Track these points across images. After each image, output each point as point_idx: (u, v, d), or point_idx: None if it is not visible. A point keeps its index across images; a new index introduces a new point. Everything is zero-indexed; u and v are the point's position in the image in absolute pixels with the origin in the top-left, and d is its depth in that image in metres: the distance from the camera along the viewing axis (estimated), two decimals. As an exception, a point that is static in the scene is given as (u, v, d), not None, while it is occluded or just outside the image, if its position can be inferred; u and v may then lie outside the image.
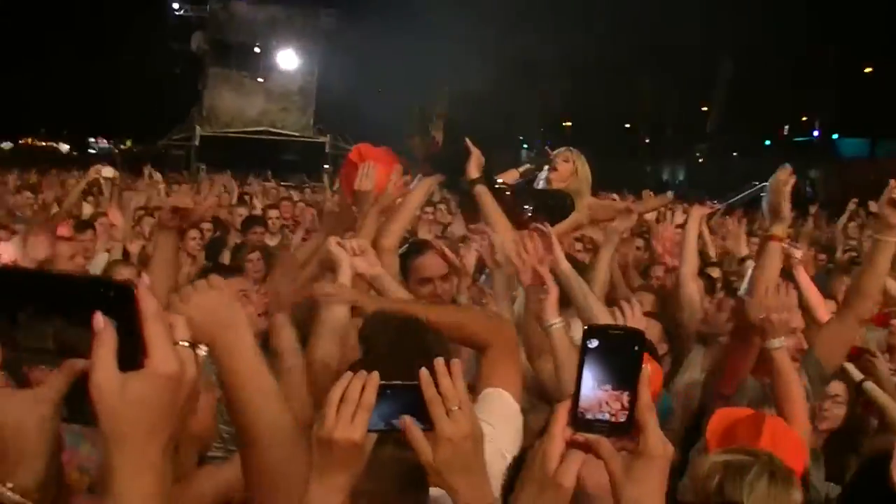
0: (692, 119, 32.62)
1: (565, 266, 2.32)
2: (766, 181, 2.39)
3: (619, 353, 0.88)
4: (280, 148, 24.14)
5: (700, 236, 3.78)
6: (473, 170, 2.86)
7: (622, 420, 0.88)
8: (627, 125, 37.63)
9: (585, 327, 0.91)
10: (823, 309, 3.00)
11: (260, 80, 25.91)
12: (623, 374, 0.88)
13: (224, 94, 25.50)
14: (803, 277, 3.08)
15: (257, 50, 25.79)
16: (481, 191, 2.73)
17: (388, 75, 35.47)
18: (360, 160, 2.91)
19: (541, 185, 3.65)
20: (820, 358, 2.31)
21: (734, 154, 30.40)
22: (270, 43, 25.92)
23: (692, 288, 3.15)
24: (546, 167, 3.65)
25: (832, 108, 28.31)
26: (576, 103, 36.70)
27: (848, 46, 26.83)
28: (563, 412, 0.88)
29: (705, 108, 32.39)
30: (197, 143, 24.09)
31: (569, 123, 42.04)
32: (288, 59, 26.36)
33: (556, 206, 3.66)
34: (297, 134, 26.02)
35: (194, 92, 25.88)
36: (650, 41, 31.68)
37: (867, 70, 29.36)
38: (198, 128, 24.34)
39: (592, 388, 0.88)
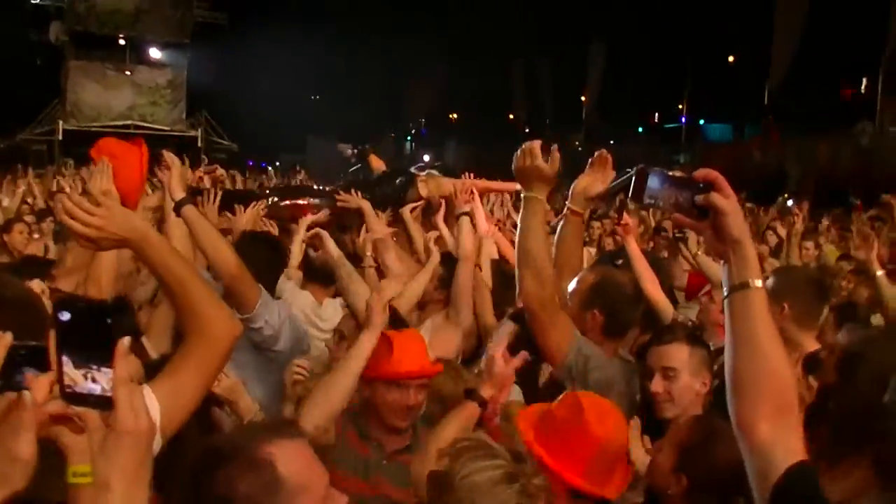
0: (569, 108, 35.83)
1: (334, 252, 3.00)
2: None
3: (93, 326, 0.90)
4: (150, 142, 24.40)
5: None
6: (176, 190, 2.55)
7: (110, 393, 0.90)
8: (511, 116, 40.73)
9: (55, 301, 0.94)
10: (652, 284, 3.17)
11: (127, 73, 26.04)
12: (101, 347, 0.89)
13: (88, 88, 25.50)
14: (633, 248, 3.24)
15: (122, 42, 25.84)
16: (190, 213, 2.44)
17: (265, 69, 36.65)
18: (98, 156, 2.76)
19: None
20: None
21: (611, 142, 33.98)
22: (136, 35, 26.00)
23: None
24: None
25: (700, 95, 31.11)
26: (460, 95, 39.62)
27: (713, 37, 29.55)
28: (43, 384, 0.92)
29: (583, 98, 35.77)
30: (60, 137, 24.18)
31: (454, 115, 44.75)
32: (156, 51, 26.68)
33: (391, 192, 4.38)
34: (167, 128, 26.50)
35: (56, 84, 25.69)
36: (524, 29, 34.60)
37: (730, 59, 33.30)
38: (61, 122, 24.39)
39: (78, 361, 0.90)
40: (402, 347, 2.19)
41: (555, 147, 2.20)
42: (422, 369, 2.22)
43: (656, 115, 36.06)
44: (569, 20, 35.01)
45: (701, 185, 1.19)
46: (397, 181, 4.56)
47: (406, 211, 4.24)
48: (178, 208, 2.46)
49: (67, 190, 3.69)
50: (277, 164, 36.40)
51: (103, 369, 0.91)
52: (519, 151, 2.20)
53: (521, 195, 2.24)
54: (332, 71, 40.05)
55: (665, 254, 5.09)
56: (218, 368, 1.59)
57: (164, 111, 27.50)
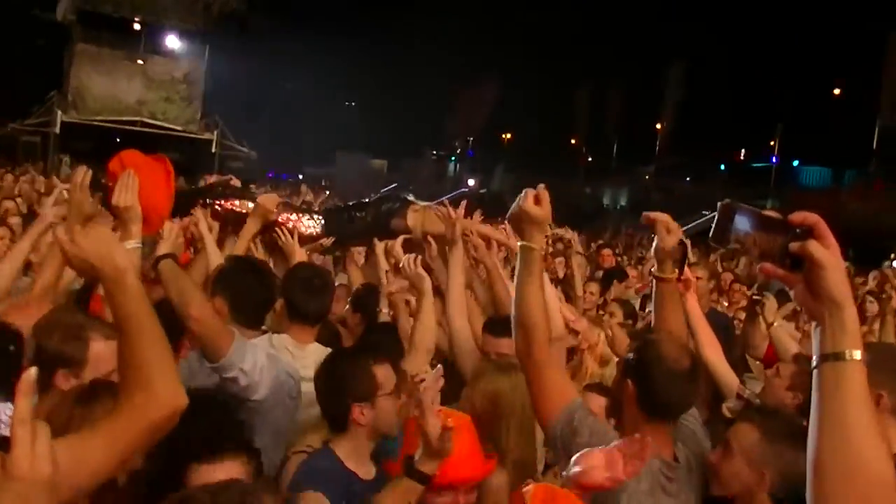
0: (640, 136, 35.67)
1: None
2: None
3: None
4: (159, 143, 23.06)
5: None
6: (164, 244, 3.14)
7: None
8: (572, 140, 40.63)
9: None
10: (712, 349, 3.23)
11: (139, 62, 26.10)
12: (3, 378, 0.81)
13: (94, 76, 25.54)
14: (693, 308, 3.30)
15: (137, 27, 25.90)
16: (166, 267, 2.68)
17: (293, 70, 37.35)
18: (120, 169, 2.87)
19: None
20: None
21: (686, 179, 33.60)
22: (153, 19, 26.09)
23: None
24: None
25: (797, 131, 30.88)
26: (515, 113, 39.76)
27: (816, 62, 29.73)
28: None
29: (658, 126, 35.55)
30: (57, 130, 24.24)
31: (507, 136, 44.67)
32: (174, 40, 26.73)
33: (373, 220, 4.36)
34: (179, 128, 26.46)
35: (59, 70, 25.73)
36: (593, 43, 34.71)
37: (836, 91, 32.76)
38: (59, 112, 24.41)
39: None
40: (459, 446, 2.22)
41: (541, 187, 2.26)
42: (479, 472, 2.31)
43: (742, 151, 35.65)
44: (645, 37, 35.09)
45: (797, 230, 1.18)
46: (383, 207, 4.56)
47: (379, 245, 4.37)
48: (156, 263, 2.65)
49: (60, 187, 3.62)
50: (300, 177, 36.91)
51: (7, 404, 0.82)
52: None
53: (518, 244, 2.31)
54: (368, 77, 41.29)
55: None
56: (142, 440, 1.55)
57: (178, 109, 27.38)
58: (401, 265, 3.55)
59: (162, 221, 3.18)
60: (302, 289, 3.17)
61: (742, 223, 1.21)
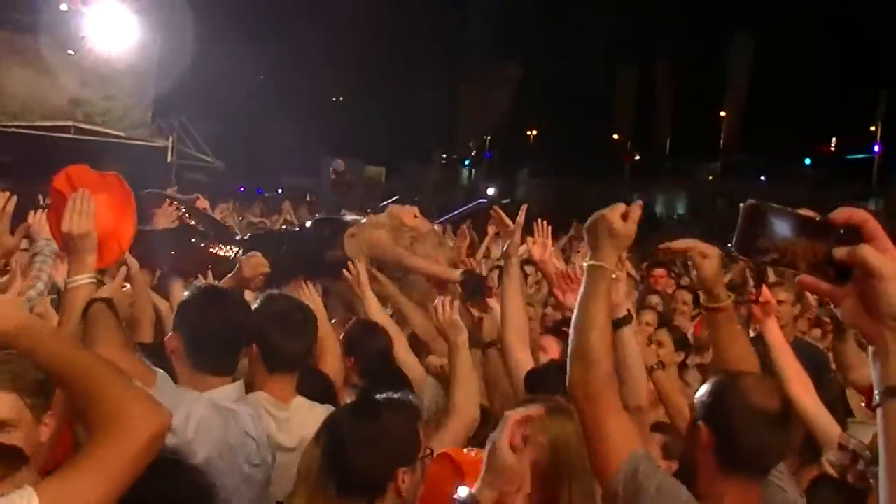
0: (699, 127, 34.96)
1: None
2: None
3: None
4: (98, 153, 23.72)
5: None
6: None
7: None
8: (614, 136, 40.20)
9: None
10: (804, 389, 3.41)
11: (70, 52, 25.47)
12: None
13: (13, 70, 25.39)
14: (776, 337, 3.53)
15: (64, 7, 25.38)
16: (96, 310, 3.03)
17: (268, 59, 37.36)
18: (69, 189, 3.08)
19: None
20: None
21: (761, 178, 32.62)
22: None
23: None
24: None
25: None
26: (542, 105, 39.42)
27: None
28: None
29: (721, 114, 34.87)
30: None
31: (533, 132, 44.57)
32: (114, 23, 26.07)
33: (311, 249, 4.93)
34: (122, 134, 26.20)
35: None
36: (636, 17, 34.18)
37: None
38: None
39: None
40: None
41: (637, 203, 2.48)
42: None
43: (833, 141, 34.86)
44: (702, 6, 34.54)
45: (842, 231, 1.22)
46: (324, 232, 5.02)
47: (347, 273, 4.69)
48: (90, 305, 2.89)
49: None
50: (279, 190, 36.74)
51: None
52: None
53: (585, 263, 2.54)
54: (359, 66, 40.40)
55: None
56: (135, 467, 1.84)
57: (122, 110, 27.00)
58: (432, 306, 3.76)
59: (122, 252, 3.34)
60: (278, 327, 3.32)
61: (780, 226, 1.25)
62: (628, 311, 3.47)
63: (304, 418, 3.32)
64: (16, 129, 24.43)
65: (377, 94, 41.96)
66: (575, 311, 2.49)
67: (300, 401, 3.35)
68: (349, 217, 5.62)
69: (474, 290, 4.39)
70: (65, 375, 1.87)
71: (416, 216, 5.07)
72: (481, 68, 39.29)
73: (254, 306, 3.52)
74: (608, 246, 2.44)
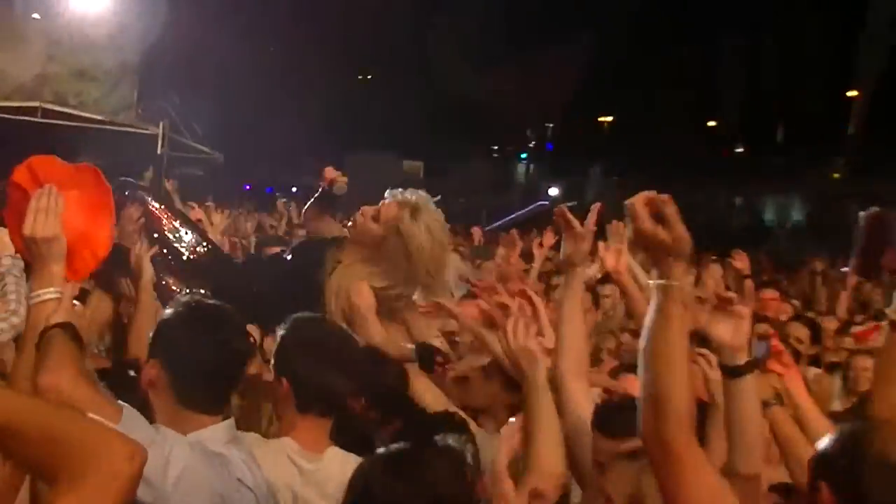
0: (820, 112, 34.42)
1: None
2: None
3: None
4: (72, 142, 23.76)
5: None
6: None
7: None
8: (711, 123, 39.80)
9: None
10: None
11: (35, 16, 26.07)
12: None
13: None
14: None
15: None
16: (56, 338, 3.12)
17: (279, 29, 37.22)
18: (32, 184, 3.15)
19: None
20: None
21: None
22: None
23: None
24: None
25: None
26: (615, 86, 39.15)
27: None
28: None
29: (850, 93, 34.28)
30: None
31: (608, 118, 44.25)
32: None
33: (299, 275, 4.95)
34: (102, 117, 26.31)
35: None
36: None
37: None
38: None
39: None
40: None
41: (661, 198, 2.52)
42: None
43: None
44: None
45: None
46: (314, 255, 5.11)
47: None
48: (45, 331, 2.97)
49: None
50: (294, 190, 36.63)
51: None
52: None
53: (651, 282, 2.58)
54: (392, 35, 40.25)
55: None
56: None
57: (100, 88, 27.28)
58: (500, 328, 3.72)
59: (96, 261, 3.41)
60: (316, 357, 3.40)
61: None
62: (753, 358, 3.37)
63: (336, 472, 3.34)
64: None
65: (413, 70, 41.94)
66: (641, 340, 2.52)
67: (334, 451, 3.42)
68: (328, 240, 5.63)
69: (426, 363, 4.35)
70: (18, 430, 1.88)
71: (374, 217, 4.97)
72: (544, 42, 39.10)
73: (280, 332, 3.60)
74: (662, 258, 2.47)
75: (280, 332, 3.67)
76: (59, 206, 2.96)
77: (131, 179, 6.52)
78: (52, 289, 2.97)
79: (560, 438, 3.51)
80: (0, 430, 1.88)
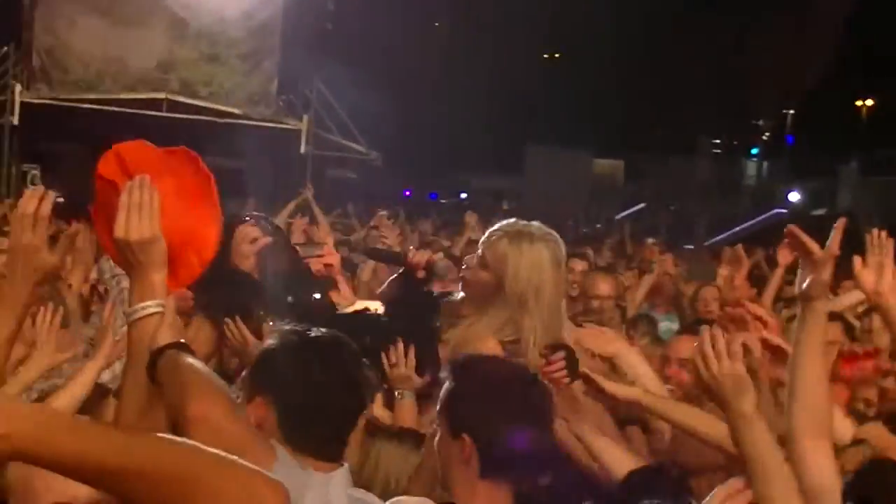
0: None
1: None
2: None
3: None
4: (203, 138, 23.89)
5: None
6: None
7: None
8: None
9: None
10: None
11: None
12: None
13: (78, 23, 26.14)
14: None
15: None
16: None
17: (443, 8, 37.11)
18: (122, 175, 3.19)
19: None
20: None
21: None
22: None
23: None
24: None
25: None
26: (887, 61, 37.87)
27: None
28: None
29: None
30: (15, 119, 25.09)
31: (868, 102, 42.78)
32: None
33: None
34: (236, 110, 27.02)
35: (13, 14, 26.25)
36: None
37: None
38: (17, 88, 25.25)
39: None
40: None
41: (839, 224, 3.00)
42: None
43: None
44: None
45: None
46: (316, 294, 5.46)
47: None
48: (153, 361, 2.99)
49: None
50: (464, 196, 36.58)
51: None
52: None
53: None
54: (583, 5, 40.08)
55: None
56: None
57: (236, 76, 27.75)
58: (695, 349, 3.66)
59: (203, 265, 3.37)
60: (507, 411, 3.42)
61: None
62: None
63: None
64: (84, 107, 25.32)
65: (611, 44, 41.62)
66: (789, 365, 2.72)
67: None
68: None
69: None
70: (124, 482, 1.95)
71: (481, 265, 5.12)
72: (780, 8, 38.43)
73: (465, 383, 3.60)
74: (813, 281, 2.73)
75: (448, 378, 3.70)
76: (154, 200, 2.99)
77: (265, 217, 6.90)
78: (154, 301, 3.00)
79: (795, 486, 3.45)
80: (119, 474, 1.92)
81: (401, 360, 5.01)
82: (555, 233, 5.15)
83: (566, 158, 42.17)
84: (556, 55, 46.85)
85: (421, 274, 5.92)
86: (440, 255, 6.45)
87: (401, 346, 5.04)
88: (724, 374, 3.51)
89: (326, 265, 8.78)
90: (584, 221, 29.30)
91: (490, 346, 4.89)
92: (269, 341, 3.55)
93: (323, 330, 3.66)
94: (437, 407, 3.63)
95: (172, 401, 2.90)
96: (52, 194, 3.27)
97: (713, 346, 3.54)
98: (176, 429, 2.84)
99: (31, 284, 3.24)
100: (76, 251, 7.87)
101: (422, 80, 36.62)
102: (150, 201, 2.96)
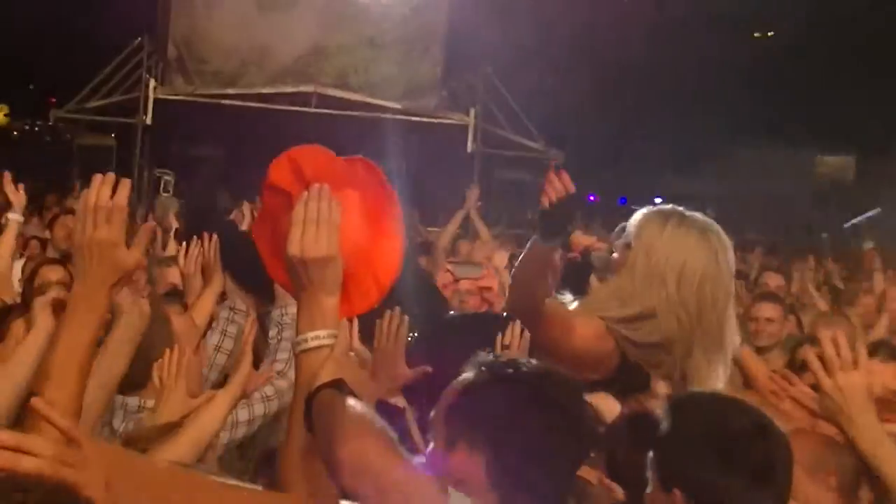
0: None
1: None
2: None
3: None
4: (358, 135, 23.37)
5: None
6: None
7: None
8: None
9: None
10: None
11: None
12: None
13: (221, 8, 26.83)
14: None
15: None
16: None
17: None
18: (297, 184, 3.24)
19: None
20: None
21: None
22: None
23: None
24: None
25: None
26: None
27: None
28: None
29: None
30: (148, 118, 25.72)
31: None
32: None
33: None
34: (396, 105, 27.40)
35: (147, 2, 27.18)
36: None
37: None
38: (152, 83, 25.95)
39: None
40: None
41: None
42: None
43: None
44: None
45: None
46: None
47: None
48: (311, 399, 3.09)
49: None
50: (658, 200, 36.17)
51: None
52: None
53: None
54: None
55: None
56: None
57: (394, 65, 28.33)
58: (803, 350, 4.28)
59: (381, 293, 3.40)
60: (716, 456, 3.34)
61: None
62: None
63: None
64: (225, 103, 26.12)
65: (846, 18, 40.78)
66: None
67: None
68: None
69: None
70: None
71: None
72: None
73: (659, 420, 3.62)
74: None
75: (664, 419, 3.67)
76: (335, 214, 3.02)
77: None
78: (325, 332, 3.03)
79: None
80: None
81: (514, 340, 4.98)
82: (717, 226, 5.24)
83: (781, 155, 42.25)
84: (769, 33, 46.26)
85: (575, 256, 6.22)
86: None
87: (517, 325, 5.05)
88: (837, 387, 3.75)
89: (483, 288, 8.90)
90: (804, 230, 29.05)
91: (594, 325, 5.16)
92: (466, 375, 3.30)
93: (533, 362, 3.50)
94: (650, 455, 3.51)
95: (322, 445, 2.89)
96: (127, 182, 3.30)
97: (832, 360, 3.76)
98: (330, 474, 2.87)
99: (109, 287, 3.25)
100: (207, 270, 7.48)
101: (607, 67, 36.34)
102: (331, 215, 3.01)
